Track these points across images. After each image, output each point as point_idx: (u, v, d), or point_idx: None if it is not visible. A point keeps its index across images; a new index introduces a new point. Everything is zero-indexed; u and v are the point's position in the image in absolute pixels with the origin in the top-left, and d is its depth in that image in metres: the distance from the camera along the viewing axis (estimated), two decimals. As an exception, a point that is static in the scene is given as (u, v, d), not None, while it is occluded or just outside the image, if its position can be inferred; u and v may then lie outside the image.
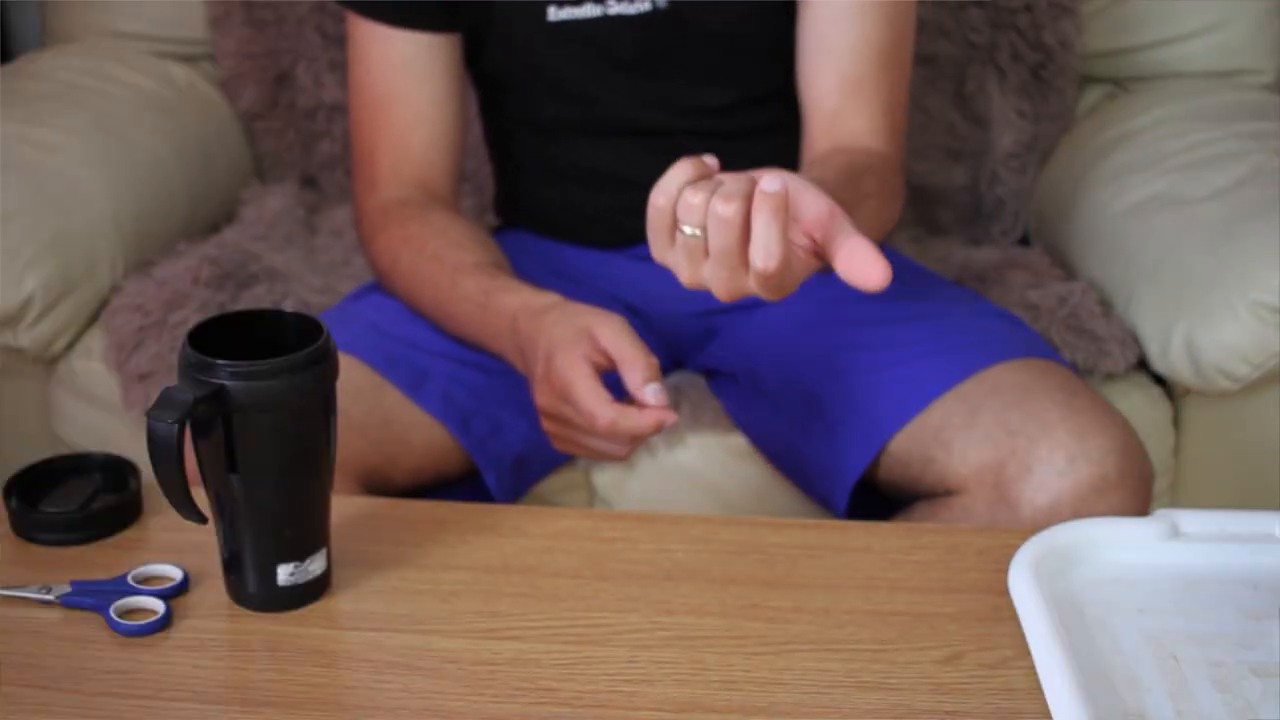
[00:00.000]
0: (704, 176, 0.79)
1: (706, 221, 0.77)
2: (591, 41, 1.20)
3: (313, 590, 0.86)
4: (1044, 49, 1.65)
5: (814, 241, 0.78)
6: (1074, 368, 1.18)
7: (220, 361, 0.79)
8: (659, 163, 1.25)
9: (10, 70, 1.65)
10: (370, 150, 1.22)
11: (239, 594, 0.85)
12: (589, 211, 1.30)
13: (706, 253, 0.78)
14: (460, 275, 1.13)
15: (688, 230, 0.78)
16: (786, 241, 0.75)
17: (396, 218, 1.19)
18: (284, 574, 0.84)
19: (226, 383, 0.78)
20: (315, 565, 0.85)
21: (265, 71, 1.74)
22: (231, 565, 0.85)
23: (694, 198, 0.77)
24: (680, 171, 0.79)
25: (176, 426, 0.77)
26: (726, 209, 0.75)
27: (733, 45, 1.21)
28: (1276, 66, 1.67)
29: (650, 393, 0.99)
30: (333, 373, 0.83)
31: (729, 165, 1.26)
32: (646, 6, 1.18)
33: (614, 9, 1.18)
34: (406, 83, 1.20)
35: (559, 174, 1.30)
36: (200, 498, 0.82)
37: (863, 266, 0.75)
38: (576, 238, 1.32)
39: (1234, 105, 1.57)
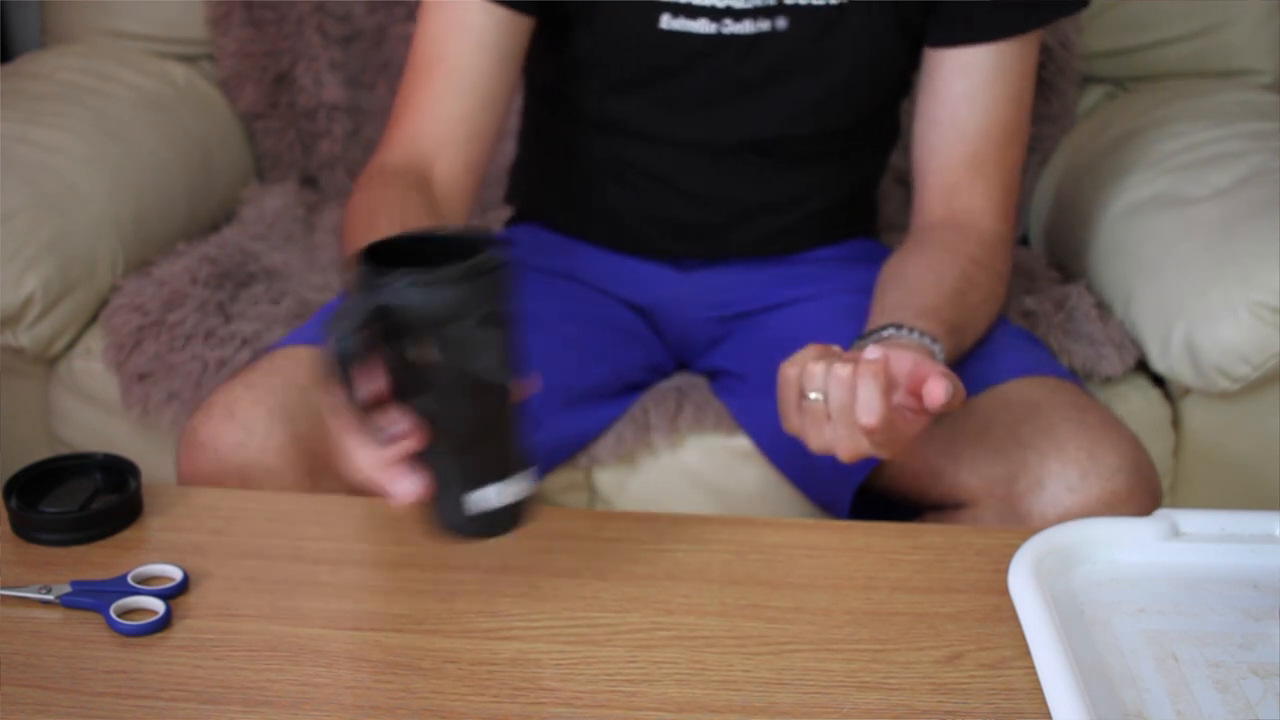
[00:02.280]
0: (827, 355, 0.92)
1: (827, 386, 0.90)
2: (697, 56, 1.17)
3: (509, 517, 0.82)
4: (1044, 49, 1.65)
5: (917, 400, 0.91)
6: (1075, 378, 1.17)
7: (397, 272, 0.74)
8: (715, 176, 1.25)
9: (10, 70, 1.65)
10: (399, 112, 1.16)
11: (440, 520, 0.81)
12: (627, 216, 1.28)
13: (828, 416, 0.91)
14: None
15: (812, 396, 0.91)
16: (887, 401, 0.88)
17: (379, 182, 1.12)
18: (483, 498, 0.80)
19: (402, 292, 0.74)
20: (512, 490, 0.81)
21: (265, 71, 1.74)
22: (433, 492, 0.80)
23: (816, 366, 0.91)
24: (809, 351, 0.93)
25: (353, 341, 0.73)
26: (843, 370, 0.89)
27: (837, 78, 1.20)
28: (1276, 66, 1.67)
29: None
30: (513, 281, 0.78)
31: (773, 185, 1.26)
32: (765, 27, 1.15)
33: (729, 29, 1.15)
34: (458, 49, 1.14)
35: (608, 174, 1.27)
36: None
37: (930, 390, 0.90)
38: (599, 239, 1.31)
39: (1234, 105, 1.57)
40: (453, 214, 1.16)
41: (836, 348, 0.94)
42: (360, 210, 1.10)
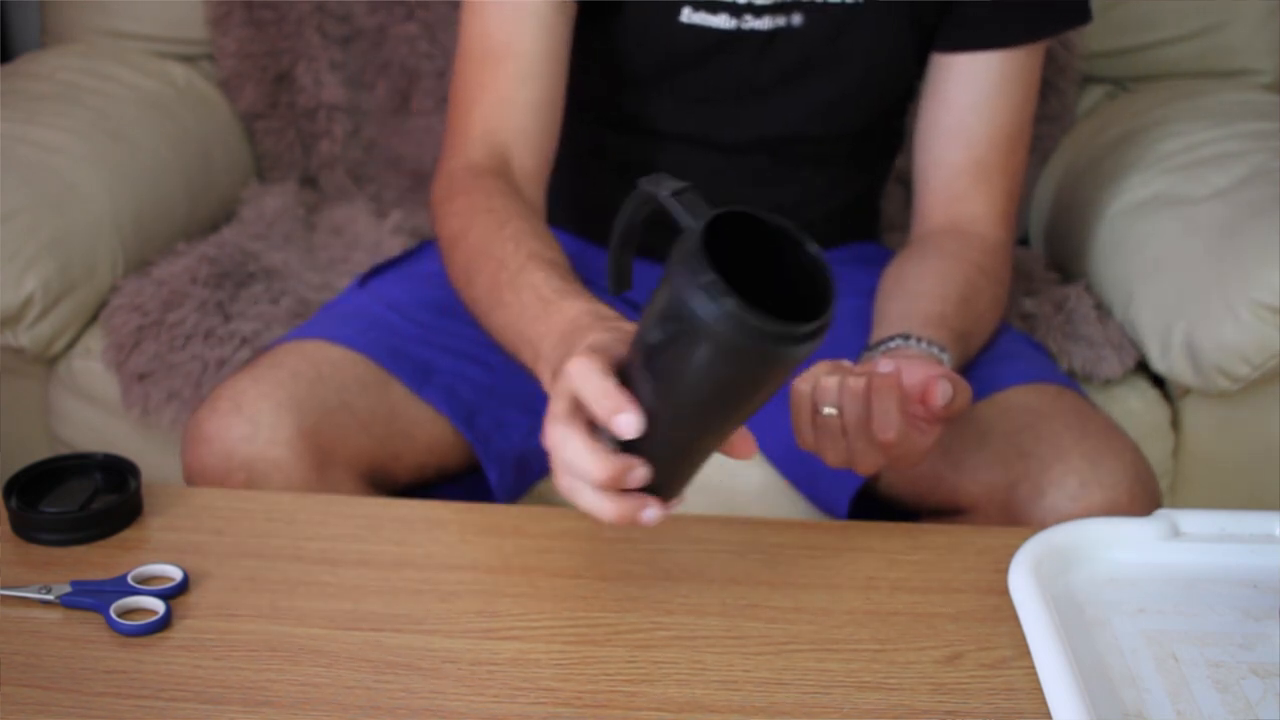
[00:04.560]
0: (838, 369, 0.92)
1: (841, 401, 0.89)
2: (715, 51, 1.17)
3: None
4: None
5: (925, 408, 0.90)
6: (1076, 385, 1.17)
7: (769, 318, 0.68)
8: (723, 177, 1.25)
9: (10, 70, 1.65)
10: (467, 108, 1.13)
11: None
12: None
13: (844, 431, 0.89)
14: (532, 263, 0.99)
15: (826, 410, 0.90)
16: (902, 414, 0.88)
17: (481, 187, 1.09)
18: None
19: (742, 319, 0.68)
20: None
21: (265, 71, 1.74)
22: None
23: (829, 381, 0.90)
24: (820, 366, 0.92)
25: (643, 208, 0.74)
26: (857, 383, 0.88)
27: (850, 79, 1.20)
28: (1276, 66, 1.67)
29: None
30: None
31: (781, 187, 1.26)
32: (782, 23, 1.15)
33: (748, 24, 1.15)
34: (525, 32, 1.12)
35: (615, 173, 1.26)
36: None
37: (930, 393, 0.90)
38: (603, 239, 1.30)
39: (1234, 105, 1.57)
40: (535, 211, 1.13)
41: (846, 362, 0.94)
42: (464, 215, 1.07)
